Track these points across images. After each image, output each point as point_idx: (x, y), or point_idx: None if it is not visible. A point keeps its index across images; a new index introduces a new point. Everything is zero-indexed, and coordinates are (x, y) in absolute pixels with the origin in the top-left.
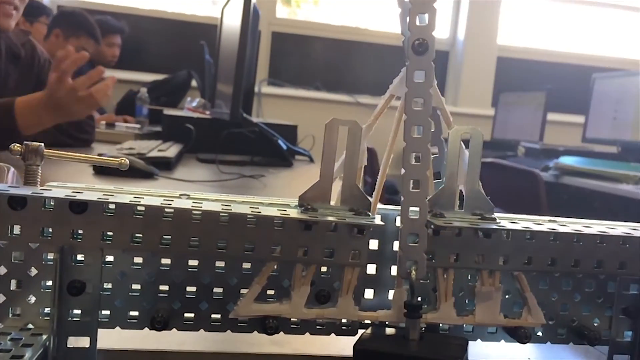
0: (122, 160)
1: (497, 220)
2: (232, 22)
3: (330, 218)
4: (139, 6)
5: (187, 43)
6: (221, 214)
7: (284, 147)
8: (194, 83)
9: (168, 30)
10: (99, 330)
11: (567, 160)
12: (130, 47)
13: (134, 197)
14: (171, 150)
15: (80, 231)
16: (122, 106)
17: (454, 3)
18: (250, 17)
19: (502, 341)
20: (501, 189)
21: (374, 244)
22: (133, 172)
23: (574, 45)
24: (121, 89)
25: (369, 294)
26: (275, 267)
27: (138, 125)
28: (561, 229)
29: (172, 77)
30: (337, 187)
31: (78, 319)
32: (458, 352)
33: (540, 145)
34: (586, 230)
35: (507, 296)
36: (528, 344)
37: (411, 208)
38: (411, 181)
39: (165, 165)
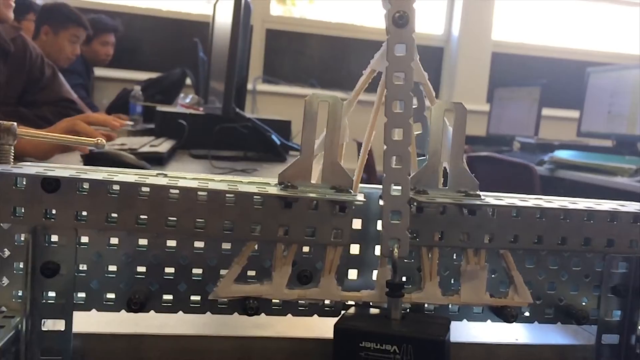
0: (99, 141)
1: (482, 197)
2: (224, 17)
3: (310, 195)
4: (133, 4)
5: (181, 41)
6: (199, 192)
7: (278, 142)
8: (188, 81)
9: (162, 29)
10: (76, 313)
11: (562, 154)
12: (125, 46)
13: (108, 175)
14: (163, 145)
15: (53, 211)
16: (116, 105)
17: None
18: (241, 9)
19: (489, 321)
20: (496, 183)
21: (357, 224)
22: (124, 167)
23: (568, 40)
24: (115, 87)
25: (352, 274)
26: (256, 247)
27: (131, 123)
28: (547, 205)
29: (167, 75)
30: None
31: (52, 302)
32: (440, 331)
33: (536, 139)
34: (572, 207)
35: (493, 275)
36: (516, 325)
37: (393, 185)
38: (393, 157)
39: (157, 161)
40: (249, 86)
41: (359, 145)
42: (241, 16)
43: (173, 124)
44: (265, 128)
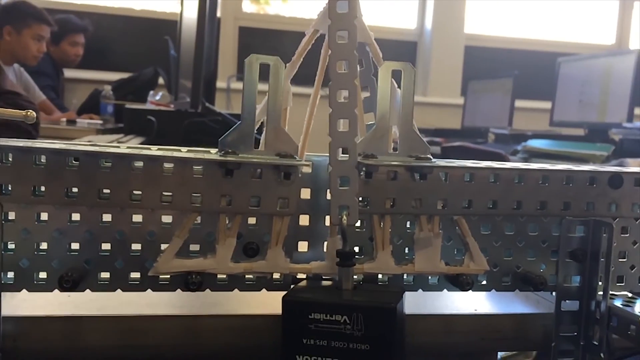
0: (29, 113)
1: (433, 161)
2: (191, 10)
3: (252, 161)
4: (104, 4)
5: (153, 40)
6: (134, 160)
7: None
8: (161, 80)
9: (134, 28)
10: (10, 295)
11: (535, 143)
12: (95, 46)
13: (32, 144)
14: (132, 142)
15: None
16: (87, 105)
17: None
18: (207, 0)
19: (445, 290)
20: None
21: (306, 193)
22: None
23: (538, 32)
24: (86, 89)
25: (302, 246)
26: (198, 219)
27: (100, 121)
28: (501, 168)
29: (138, 75)
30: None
31: None
32: (391, 299)
33: (510, 130)
34: (527, 168)
35: (447, 243)
36: (478, 296)
37: (340, 150)
38: (340, 121)
39: None
40: (224, 85)
41: None
42: (207, 7)
43: (142, 121)
44: (237, 122)
